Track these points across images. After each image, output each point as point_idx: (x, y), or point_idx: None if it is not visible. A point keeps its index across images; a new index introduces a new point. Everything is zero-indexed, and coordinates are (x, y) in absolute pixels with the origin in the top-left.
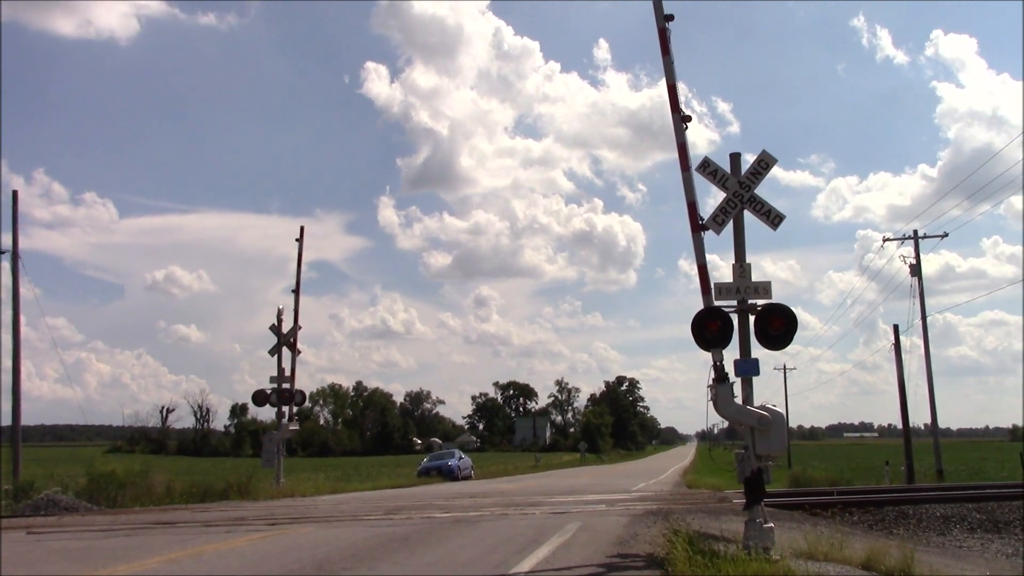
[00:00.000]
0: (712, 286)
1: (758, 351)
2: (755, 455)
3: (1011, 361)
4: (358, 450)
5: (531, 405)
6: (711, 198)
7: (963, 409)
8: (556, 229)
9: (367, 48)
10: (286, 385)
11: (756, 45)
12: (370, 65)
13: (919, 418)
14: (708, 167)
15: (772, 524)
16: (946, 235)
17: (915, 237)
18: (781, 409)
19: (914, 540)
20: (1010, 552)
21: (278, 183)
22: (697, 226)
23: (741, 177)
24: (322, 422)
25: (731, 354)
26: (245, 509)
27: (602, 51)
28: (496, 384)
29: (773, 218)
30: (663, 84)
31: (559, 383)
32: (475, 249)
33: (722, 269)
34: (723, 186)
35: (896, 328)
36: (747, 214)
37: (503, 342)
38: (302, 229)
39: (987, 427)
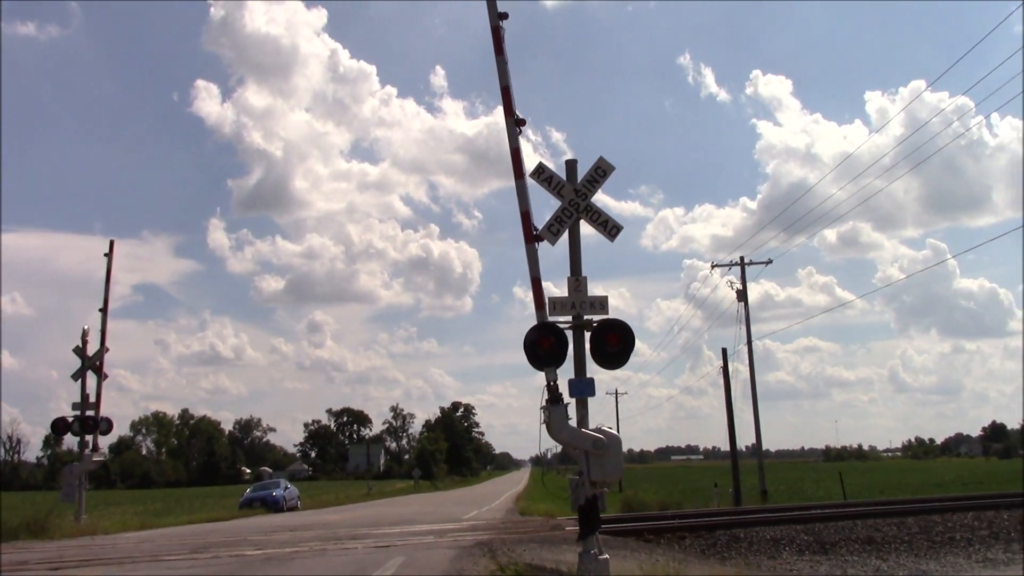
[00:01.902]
0: (546, 300)
1: (594, 371)
2: (590, 481)
3: (823, 386)
4: (183, 481)
5: (365, 432)
6: (548, 210)
7: (780, 431)
8: (392, 254)
9: (198, 65)
10: (90, 412)
11: (589, 78)
12: (200, 83)
13: (742, 440)
14: (543, 173)
15: (607, 556)
16: (770, 261)
17: (741, 264)
18: (615, 430)
19: (747, 565)
20: (839, 574)
21: (102, 203)
22: (531, 236)
23: (577, 184)
24: (144, 452)
25: (566, 374)
26: (32, 551)
27: (439, 78)
28: (329, 411)
29: (610, 228)
30: (499, 112)
31: (394, 409)
32: (309, 273)
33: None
34: (558, 194)
35: (724, 351)
36: (584, 225)
37: (337, 368)
38: (111, 243)
39: (803, 448)
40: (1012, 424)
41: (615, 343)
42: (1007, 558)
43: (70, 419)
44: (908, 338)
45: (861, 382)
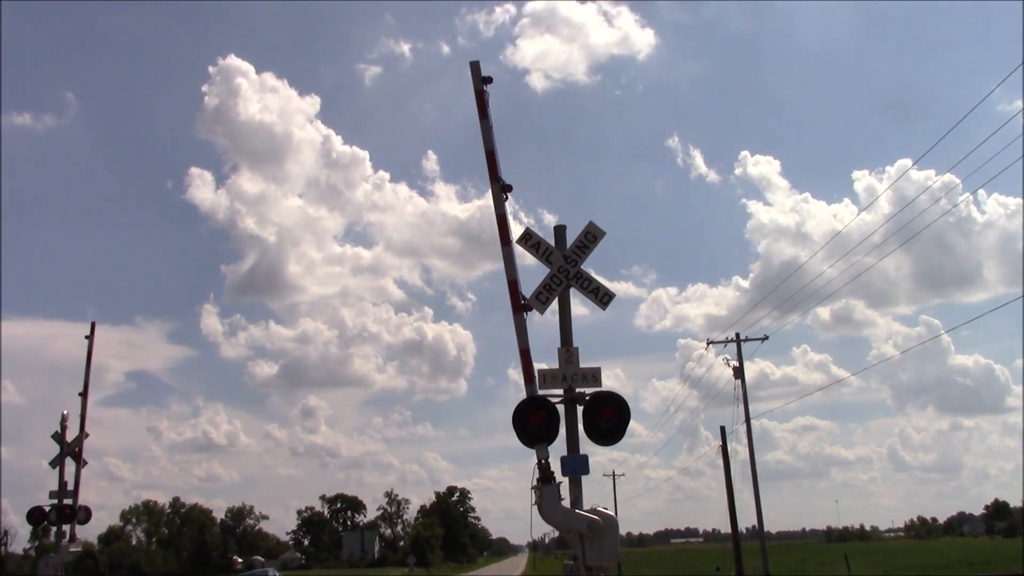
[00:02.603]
0: (536, 373)
1: (588, 447)
2: (586, 566)
3: (822, 465)
4: (173, 571)
5: (359, 518)
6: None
7: (780, 512)
8: (386, 338)
9: (192, 153)
10: (68, 500)
11: (579, 160)
12: (195, 170)
13: (742, 521)
14: (530, 239)
15: None
16: (766, 338)
17: (737, 340)
18: (613, 512)
19: None
20: None
21: (95, 290)
22: (519, 305)
23: (567, 251)
24: (135, 542)
25: (559, 452)
26: None
27: (431, 162)
28: (323, 497)
29: (602, 296)
30: (490, 196)
31: (388, 495)
32: (302, 358)
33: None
34: (547, 261)
35: (723, 430)
36: (574, 293)
37: (331, 453)
38: (93, 325)
39: (803, 529)
40: (1015, 502)
41: (609, 417)
42: None
43: (47, 508)
44: (905, 416)
45: (860, 461)
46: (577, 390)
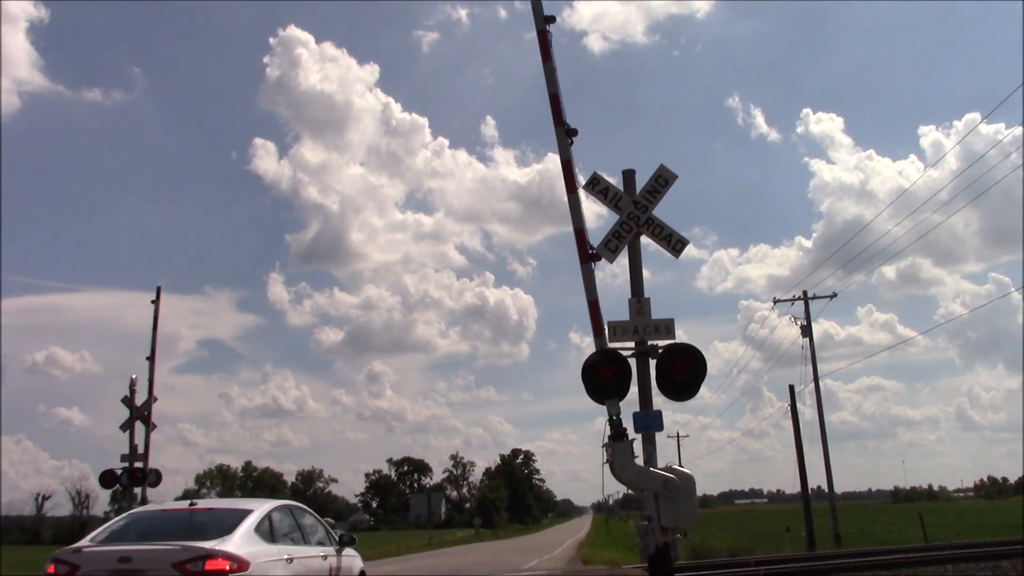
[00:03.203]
0: (605, 326)
1: (661, 403)
2: (661, 526)
3: (888, 425)
4: None
5: (426, 481)
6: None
7: (846, 473)
8: (448, 303)
9: (255, 124)
10: (139, 463)
11: (638, 123)
12: (258, 141)
13: (809, 482)
14: (598, 185)
15: None
16: (835, 295)
17: (804, 298)
18: (689, 471)
19: None
20: None
21: (166, 261)
22: (587, 255)
23: (636, 196)
24: None
25: (630, 408)
26: None
27: (489, 128)
28: (390, 460)
29: (675, 243)
30: (550, 159)
31: (454, 458)
32: (367, 324)
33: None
34: (616, 207)
35: (792, 388)
36: (645, 240)
37: (397, 418)
38: (158, 290)
39: (870, 490)
40: None
41: (684, 371)
42: None
43: (119, 471)
44: (974, 374)
45: (927, 421)
46: (649, 343)
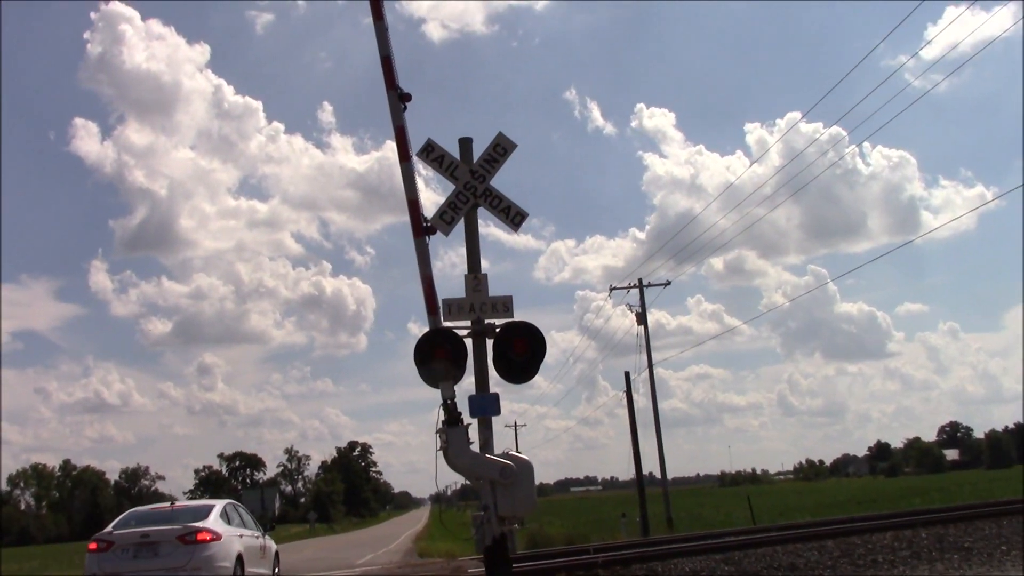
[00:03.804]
0: (440, 303)
1: (498, 386)
2: (498, 516)
3: (716, 412)
4: (65, 536)
5: (259, 476)
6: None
7: (675, 459)
8: (284, 293)
9: (75, 103)
10: None
11: (479, 115)
12: (79, 121)
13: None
14: (433, 152)
15: None
16: (668, 283)
17: (640, 286)
18: (528, 457)
19: None
20: None
21: None
22: (420, 228)
23: (473, 165)
24: (24, 507)
25: (466, 391)
26: None
27: (326, 113)
28: (221, 455)
29: (513, 215)
30: (389, 147)
31: (288, 452)
32: (197, 315)
33: None
34: (452, 176)
35: (627, 375)
36: (483, 213)
37: (229, 411)
38: None
39: (698, 474)
40: (895, 443)
41: (522, 350)
42: None
43: None
44: (794, 362)
45: (751, 407)
46: (487, 321)
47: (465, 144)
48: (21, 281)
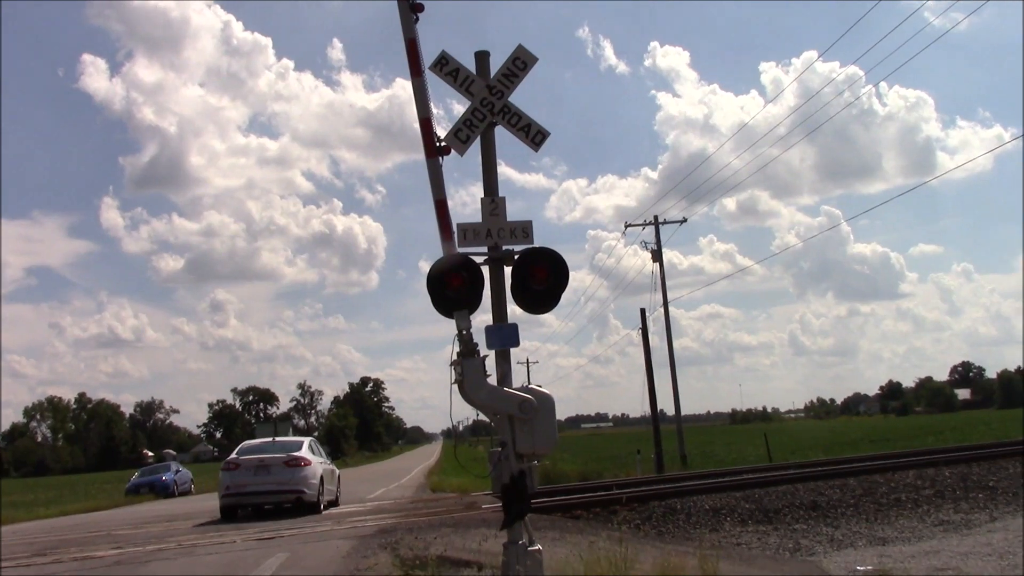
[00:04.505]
0: (455, 228)
1: (517, 317)
2: (516, 453)
3: (727, 351)
4: (81, 467)
5: (272, 411)
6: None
7: (686, 397)
8: (294, 230)
9: (83, 40)
10: None
11: (491, 54)
12: (87, 58)
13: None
14: (447, 65)
15: (539, 546)
16: (685, 220)
17: (656, 223)
18: (548, 391)
19: (687, 539)
20: (791, 547)
21: None
22: (433, 148)
23: (491, 80)
24: (40, 439)
25: (483, 322)
26: None
27: (336, 51)
28: (234, 390)
29: (534, 135)
30: (399, 85)
31: (301, 386)
32: (209, 252)
33: None
34: (467, 92)
35: (643, 312)
36: (501, 132)
37: (242, 347)
38: None
39: (708, 412)
40: (907, 382)
41: (543, 278)
42: (961, 519)
43: None
44: (806, 302)
45: (762, 346)
46: (504, 247)
47: (482, 58)
48: (34, 217)
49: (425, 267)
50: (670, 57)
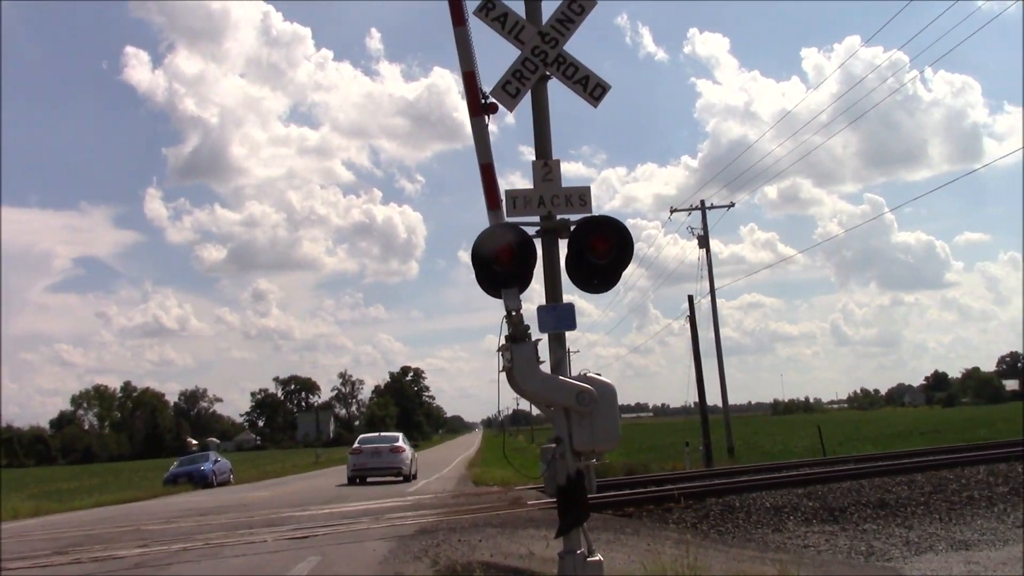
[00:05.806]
0: (503, 195)
1: (572, 296)
2: (573, 451)
3: (768, 341)
4: (127, 455)
5: (314, 400)
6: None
7: (728, 387)
8: (335, 220)
9: (126, 32)
10: None
11: None
12: (130, 50)
13: (693, 396)
14: (493, 10)
15: (600, 556)
16: (732, 204)
17: (703, 208)
18: (608, 379)
19: (749, 540)
20: (864, 550)
21: (37, 175)
22: (478, 105)
23: (543, 27)
24: (87, 426)
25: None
26: None
27: (375, 41)
28: (276, 379)
29: (592, 88)
30: (437, 74)
31: (342, 376)
32: (251, 242)
33: None
34: (517, 40)
35: (691, 298)
36: (555, 85)
37: (284, 336)
38: None
39: (749, 403)
40: (953, 373)
41: (604, 251)
42: None
43: None
44: (848, 292)
45: (804, 336)
46: (559, 216)
47: (533, 3)
48: (81, 208)
49: (465, 257)
50: (710, 44)
